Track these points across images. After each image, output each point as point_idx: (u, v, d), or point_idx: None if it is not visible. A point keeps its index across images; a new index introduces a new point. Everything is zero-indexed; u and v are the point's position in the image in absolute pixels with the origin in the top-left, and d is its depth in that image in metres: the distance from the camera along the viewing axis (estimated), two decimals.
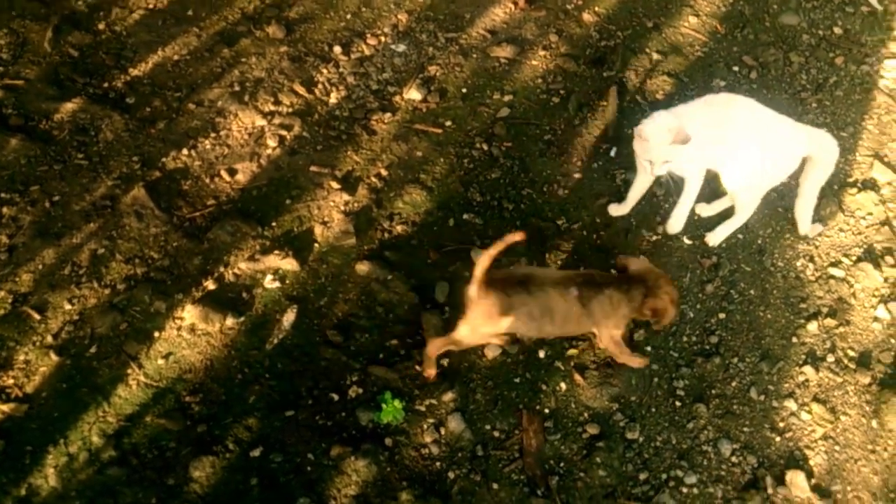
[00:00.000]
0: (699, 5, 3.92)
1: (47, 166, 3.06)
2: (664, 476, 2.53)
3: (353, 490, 2.43)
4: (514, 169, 3.25)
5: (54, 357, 2.61)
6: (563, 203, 3.16)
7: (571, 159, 3.31)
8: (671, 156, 2.63)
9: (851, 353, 2.83)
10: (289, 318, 2.75)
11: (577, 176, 3.25)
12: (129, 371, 2.61)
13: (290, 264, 2.88)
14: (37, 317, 2.69)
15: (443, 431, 2.57)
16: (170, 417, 2.52)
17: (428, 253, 2.98)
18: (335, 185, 3.13)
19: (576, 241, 3.05)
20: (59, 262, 2.82)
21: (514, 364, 2.72)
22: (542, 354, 2.74)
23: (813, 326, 2.88)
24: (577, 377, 2.70)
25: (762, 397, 2.70)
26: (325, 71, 3.51)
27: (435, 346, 2.58)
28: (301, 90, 3.42)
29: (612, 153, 3.33)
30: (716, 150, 2.77)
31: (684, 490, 2.50)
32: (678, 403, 2.68)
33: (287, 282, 2.86)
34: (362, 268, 2.90)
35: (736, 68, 3.67)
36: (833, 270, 3.03)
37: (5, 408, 2.49)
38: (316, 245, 2.97)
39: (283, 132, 3.27)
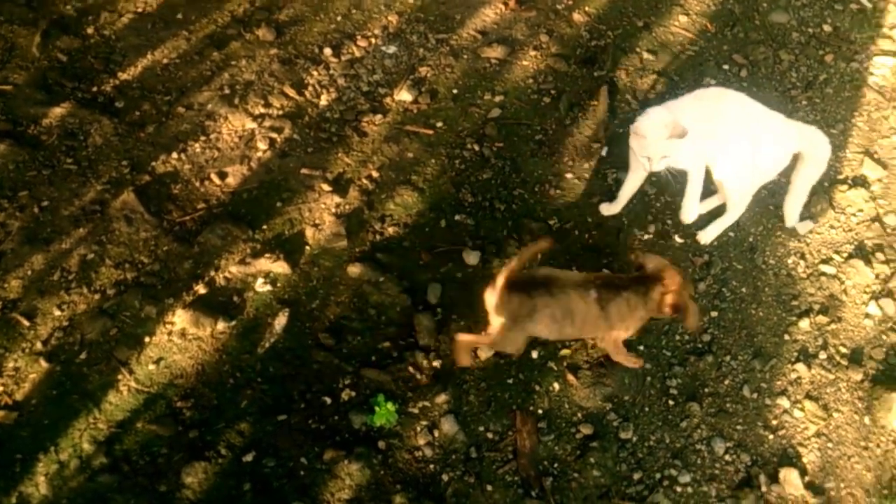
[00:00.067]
0: (689, 4, 3.93)
1: (36, 171, 3.05)
2: (658, 475, 2.52)
3: (347, 494, 2.42)
4: (505, 169, 3.25)
5: (44, 363, 2.59)
6: (554, 203, 3.16)
7: (563, 159, 3.30)
8: (669, 150, 2.63)
9: (843, 350, 2.83)
10: (280, 321, 2.74)
11: (568, 176, 3.25)
12: (120, 377, 2.59)
13: (281, 267, 2.87)
14: (26, 323, 2.68)
15: (436, 433, 2.56)
16: (161, 423, 2.50)
17: (420, 254, 2.97)
18: (326, 187, 3.12)
19: (568, 240, 3.05)
20: (48, 267, 2.81)
21: (507, 365, 2.71)
22: (534, 355, 2.74)
23: (805, 324, 2.88)
24: (570, 377, 2.70)
25: (755, 395, 2.71)
26: (315, 73, 3.50)
27: (465, 341, 2.58)
28: (291, 92, 3.41)
29: (604, 152, 3.33)
30: (707, 145, 2.77)
31: (678, 489, 2.50)
32: (671, 402, 2.68)
33: (278, 285, 2.85)
34: (354, 270, 2.89)
35: (726, 67, 3.68)
36: (824, 267, 3.04)
37: None
38: (307, 248, 2.96)
39: (274, 135, 3.26)
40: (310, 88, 3.44)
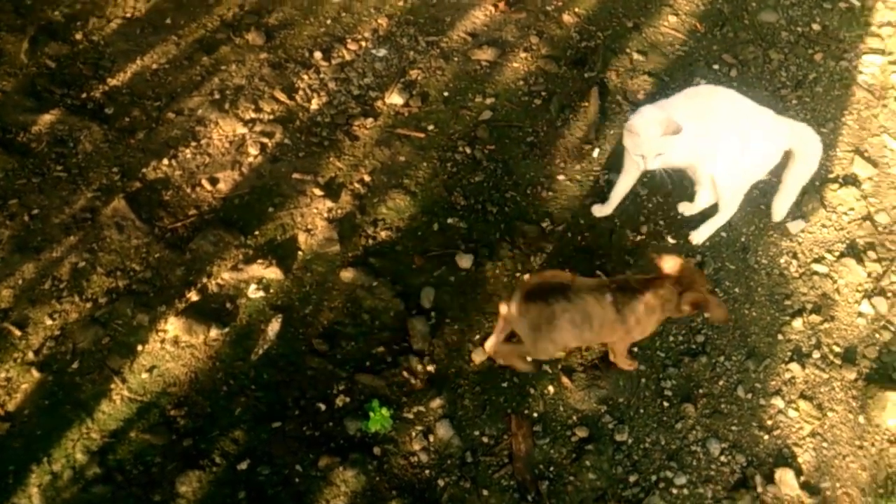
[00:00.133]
0: (678, 4, 3.93)
1: (25, 179, 3.03)
2: (654, 477, 2.53)
3: (342, 501, 2.42)
4: (497, 172, 3.24)
5: (36, 374, 2.58)
6: (546, 205, 3.16)
7: (554, 161, 3.30)
8: (663, 148, 2.62)
9: (837, 349, 2.84)
10: (273, 327, 2.73)
11: (560, 177, 3.25)
12: (113, 386, 2.58)
13: (273, 273, 2.86)
14: (17, 333, 2.66)
15: (431, 438, 2.56)
16: (155, 432, 2.49)
17: (413, 258, 2.97)
18: (318, 191, 3.11)
19: (560, 242, 3.05)
20: (39, 276, 2.79)
21: (502, 369, 2.71)
22: (529, 358, 2.73)
23: (798, 323, 2.89)
24: (565, 380, 2.70)
25: (749, 395, 2.71)
26: (305, 77, 3.49)
27: (506, 353, 2.58)
28: (282, 97, 3.40)
29: (595, 154, 3.33)
30: (698, 143, 2.76)
31: (674, 491, 2.50)
32: (666, 404, 2.68)
33: (271, 291, 2.84)
34: (347, 275, 2.88)
35: (716, 66, 3.69)
36: (816, 266, 3.05)
37: None
38: (300, 253, 2.95)
39: (265, 139, 3.25)
40: (300, 93, 3.43)
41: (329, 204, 3.08)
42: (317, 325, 2.77)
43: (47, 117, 3.20)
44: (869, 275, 3.04)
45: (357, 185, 3.16)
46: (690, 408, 2.66)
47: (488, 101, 3.48)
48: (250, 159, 3.19)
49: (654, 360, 2.77)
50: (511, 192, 3.19)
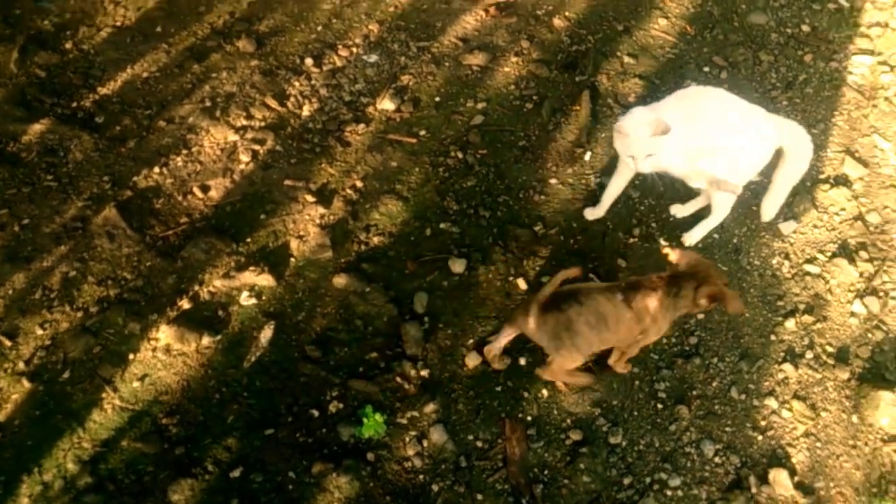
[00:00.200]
0: (668, 7, 3.95)
1: (16, 189, 3.02)
2: (648, 479, 2.52)
3: None
4: (489, 176, 3.24)
5: (27, 384, 2.56)
6: (539, 209, 3.16)
7: (546, 165, 3.31)
8: (653, 148, 2.62)
9: (830, 349, 2.85)
10: (266, 334, 2.73)
11: (552, 181, 3.25)
12: (104, 395, 2.56)
13: (266, 280, 2.86)
14: (8, 343, 2.65)
15: (425, 444, 2.55)
16: (146, 441, 2.48)
17: (405, 264, 2.96)
18: (310, 198, 3.11)
19: (553, 246, 3.05)
20: (29, 286, 2.78)
21: (496, 373, 2.71)
22: (522, 362, 2.73)
23: (791, 324, 2.89)
24: (559, 383, 2.69)
25: (743, 396, 2.71)
26: (297, 84, 3.49)
27: (551, 374, 2.59)
28: (273, 104, 3.40)
29: (587, 157, 3.34)
30: (689, 144, 2.76)
31: (669, 493, 2.50)
32: (660, 406, 2.68)
33: (263, 298, 2.83)
34: (340, 281, 2.88)
35: (707, 69, 3.70)
36: (808, 267, 3.05)
37: None
38: (292, 260, 2.95)
39: (256, 146, 3.25)
40: (292, 99, 3.43)
41: (321, 210, 3.08)
42: (310, 332, 2.77)
43: (37, 127, 3.19)
44: (861, 275, 3.05)
45: (349, 191, 3.16)
46: (684, 409, 2.66)
47: (480, 105, 3.48)
48: (242, 166, 3.18)
49: (647, 363, 2.77)
50: (503, 196, 3.19)
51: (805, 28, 3.93)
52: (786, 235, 3.14)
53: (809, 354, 2.82)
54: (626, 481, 2.51)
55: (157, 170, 3.14)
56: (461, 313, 2.84)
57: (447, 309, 2.84)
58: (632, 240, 3.09)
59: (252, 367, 2.66)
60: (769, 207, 3.01)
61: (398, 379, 2.66)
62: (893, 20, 3.98)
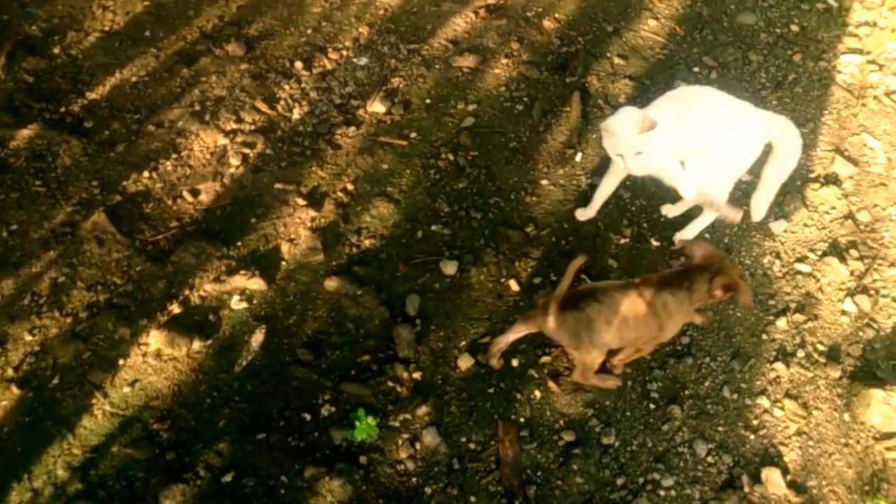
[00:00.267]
0: (658, 8, 3.96)
1: (4, 195, 3.00)
2: (641, 480, 2.52)
3: None
4: (480, 178, 3.24)
5: (16, 390, 2.54)
6: (530, 210, 3.16)
7: (537, 166, 3.31)
8: (641, 146, 2.62)
9: (821, 348, 2.85)
10: (257, 338, 2.71)
11: (543, 182, 3.25)
12: (94, 401, 2.55)
13: (256, 284, 2.84)
14: None
15: (418, 446, 2.54)
16: (137, 446, 2.46)
17: (397, 266, 2.96)
18: (301, 201, 3.10)
19: (545, 247, 3.04)
20: (18, 292, 2.76)
21: (488, 374, 2.70)
22: (515, 363, 2.73)
23: (782, 322, 2.90)
24: (552, 384, 2.69)
25: (735, 396, 2.71)
26: (286, 87, 3.48)
27: (578, 377, 2.59)
28: (263, 107, 3.39)
29: (578, 158, 3.34)
30: (680, 144, 2.77)
31: (662, 493, 2.49)
32: (652, 406, 2.67)
33: (254, 302, 2.82)
34: (331, 284, 2.87)
35: (696, 69, 3.71)
36: (799, 266, 3.06)
37: None
38: (283, 263, 2.94)
39: (246, 150, 3.24)
40: (282, 102, 3.43)
41: (312, 213, 3.07)
42: (301, 335, 2.76)
43: (25, 132, 3.17)
44: (852, 273, 3.06)
45: (340, 194, 3.15)
46: (677, 409, 2.66)
47: (470, 107, 3.48)
48: (232, 170, 3.17)
49: (639, 363, 2.76)
50: (495, 197, 3.19)
51: (794, 28, 3.95)
52: (776, 234, 3.15)
53: (801, 353, 2.83)
54: (620, 482, 2.51)
55: (146, 174, 3.13)
56: (453, 315, 2.84)
57: (439, 311, 2.84)
58: (623, 240, 3.09)
59: (243, 372, 2.65)
60: (759, 204, 3.00)
61: (390, 382, 2.65)
62: (881, 19, 4.00)
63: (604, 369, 2.65)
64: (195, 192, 3.09)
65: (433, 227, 3.07)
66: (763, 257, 3.08)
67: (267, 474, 2.44)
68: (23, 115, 3.25)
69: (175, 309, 2.77)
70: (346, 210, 3.11)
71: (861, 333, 2.90)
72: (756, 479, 2.53)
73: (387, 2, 3.87)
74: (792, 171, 2.91)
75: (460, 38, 3.75)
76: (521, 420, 2.62)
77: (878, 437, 2.64)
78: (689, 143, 2.77)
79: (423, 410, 2.60)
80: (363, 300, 2.84)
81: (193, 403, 2.57)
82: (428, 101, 3.50)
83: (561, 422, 2.63)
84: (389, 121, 3.41)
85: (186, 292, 2.82)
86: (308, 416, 2.57)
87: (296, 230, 3.02)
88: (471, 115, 3.45)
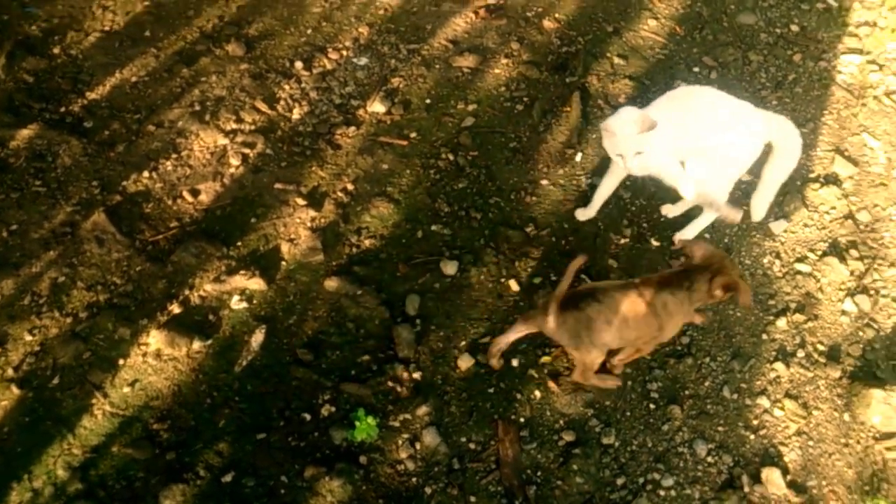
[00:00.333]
0: (658, 8, 3.96)
1: (4, 195, 3.00)
2: (641, 480, 2.52)
3: None
4: (480, 178, 3.24)
5: (16, 390, 2.54)
6: (530, 210, 3.16)
7: (537, 166, 3.31)
8: (641, 146, 2.62)
9: (821, 348, 2.85)
10: (257, 338, 2.71)
11: (543, 182, 3.25)
12: (94, 401, 2.55)
13: (257, 284, 2.84)
14: None
15: (418, 446, 2.54)
16: (137, 446, 2.46)
17: (397, 266, 2.96)
18: (301, 201, 3.10)
19: (545, 247, 3.04)
20: (18, 292, 2.76)
21: (488, 374, 2.70)
22: (515, 363, 2.73)
23: (782, 322, 2.90)
24: (552, 384, 2.69)
25: (735, 396, 2.71)
26: (286, 87, 3.48)
27: (578, 376, 2.59)
28: (263, 107, 3.39)
29: (578, 158, 3.34)
30: (680, 144, 2.77)
31: (662, 493, 2.49)
32: (652, 406, 2.67)
33: (254, 302, 2.82)
34: (331, 284, 2.87)
35: (696, 69, 3.71)
36: (799, 266, 3.06)
37: None
38: (283, 263, 2.94)
39: (246, 150, 3.24)
40: (282, 102, 3.43)
41: (312, 213, 3.07)
42: (301, 335, 2.76)
43: (25, 132, 3.17)
44: (851, 273, 3.05)
45: (340, 194, 3.15)
46: (677, 409, 2.66)
47: (470, 107, 3.48)
48: (232, 170, 3.17)
49: (639, 363, 2.76)
50: (495, 197, 3.19)
51: (794, 28, 3.95)
52: (776, 235, 3.15)
53: (801, 353, 2.83)
54: (620, 482, 2.51)
55: (146, 174, 3.13)
56: (453, 315, 2.84)
57: (439, 311, 2.84)
58: (623, 240, 3.09)
59: (243, 372, 2.65)
60: (759, 205, 3.00)
61: (390, 382, 2.65)
62: (881, 19, 4.00)
63: (604, 369, 2.65)
64: (195, 192, 3.09)
65: (433, 227, 3.07)
66: (763, 257, 3.08)
67: (267, 474, 2.44)
68: (23, 115, 3.24)
69: (175, 309, 2.77)
70: (346, 210, 3.11)
71: (861, 333, 2.90)
72: (756, 479, 2.53)
73: (387, 2, 3.88)
74: (792, 171, 2.91)
75: (460, 38, 3.75)
76: (521, 420, 2.62)
77: (878, 437, 2.64)
78: (689, 143, 2.77)
79: (423, 410, 2.60)
80: (363, 300, 2.84)
81: (193, 403, 2.57)
82: (428, 101, 3.50)
83: (561, 422, 2.63)
84: (389, 121, 3.41)
85: (186, 292, 2.82)
86: (308, 416, 2.57)
87: (296, 230, 3.02)
88: (471, 115, 3.45)
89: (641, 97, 3.54)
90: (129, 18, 3.67)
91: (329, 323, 2.79)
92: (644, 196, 3.20)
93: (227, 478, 2.42)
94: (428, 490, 2.46)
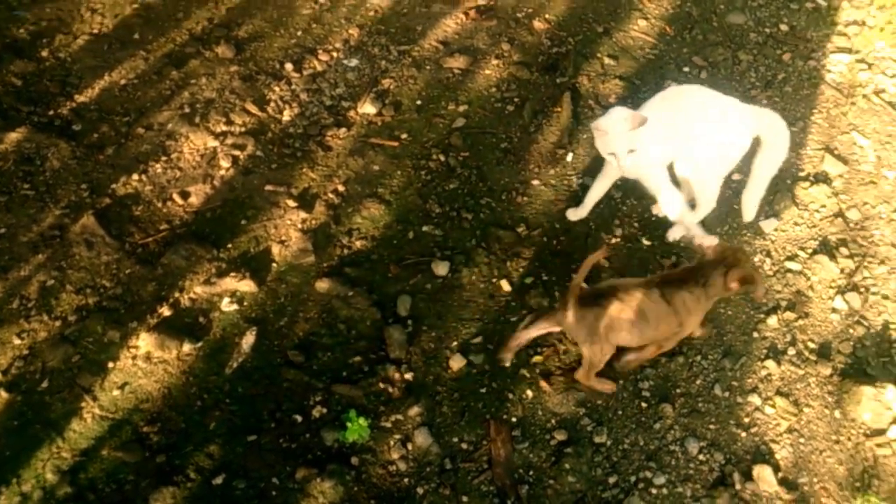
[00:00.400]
0: (647, 8, 3.97)
1: None
2: (633, 478, 2.52)
3: None
4: (471, 178, 3.24)
5: (4, 394, 2.53)
6: (522, 210, 3.16)
7: (529, 166, 3.31)
8: (633, 143, 2.62)
9: (812, 345, 2.86)
10: (248, 340, 2.70)
11: (534, 182, 3.25)
12: (84, 404, 2.53)
13: (247, 286, 2.83)
14: None
15: (410, 447, 2.53)
16: (127, 449, 2.44)
17: (389, 267, 2.95)
18: (292, 203, 3.10)
19: (536, 247, 3.04)
20: (6, 295, 2.75)
21: (480, 374, 2.70)
22: (507, 363, 2.72)
23: (773, 321, 2.90)
24: (543, 384, 2.69)
25: (726, 394, 2.71)
26: (277, 89, 3.48)
27: (582, 377, 2.60)
28: (253, 109, 3.39)
29: (569, 158, 3.34)
30: (672, 143, 2.78)
31: (654, 491, 2.49)
32: (644, 405, 2.67)
33: (245, 304, 2.81)
34: (322, 285, 2.86)
35: (686, 69, 3.72)
36: (790, 264, 3.06)
37: None
38: (274, 265, 2.93)
39: (237, 152, 3.23)
40: (272, 104, 3.42)
41: (303, 215, 3.07)
42: (292, 337, 2.75)
43: (13, 135, 3.16)
44: (842, 271, 3.06)
45: (331, 196, 3.15)
46: (668, 408, 2.66)
47: (461, 108, 3.48)
48: (222, 172, 3.16)
49: None
50: (486, 198, 3.19)
51: (783, 27, 3.96)
52: (767, 233, 3.15)
53: (792, 351, 2.83)
54: (611, 480, 2.51)
55: (135, 177, 3.12)
56: (445, 316, 2.83)
57: (431, 312, 2.83)
58: (615, 240, 3.09)
59: (234, 374, 2.64)
60: (750, 203, 3.01)
61: (382, 383, 2.65)
62: (870, 18, 4.02)
63: (602, 372, 2.65)
64: (185, 195, 3.08)
65: (424, 228, 3.07)
66: (754, 255, 3.08)
67: (258, 476, 2.43)
68: (11, 118, 3.23)
69: (165, 311, 2.76)
70: (338, 211, 3.10)
71: (851, 331, 2.90)
72: (747, 476, 2.53)
73: (377, 3, 3.88)
74: (781, 164, 2.92)
75: (451, 39, 3.76)
76: (513, 420, 2.61)
77: (868, 433, 2.65)
78: (680, 143, 2.78)
79: (414, 411, 2.59)
80: (354, 301, 2.83)
81: (184, 406, 2.56)
82: (419, 102, 3.50)
83: (553, 421, 2.62)
84: (380, 122, 3.41)
85: (176, 295, 2.81)
86: (299, 418, 2.56)
87: (286, 232, 3.02)
88: (461, 115, 3.45)
89: (632, 97, 3.55)
90: (118, 21, 3.66)
91: (320, 324, 2.78)
92: (635, 196, 3.20)
93: (218, 480, 2.41)
94: (420, 490, 2.45)
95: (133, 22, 3.66)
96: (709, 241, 2.73)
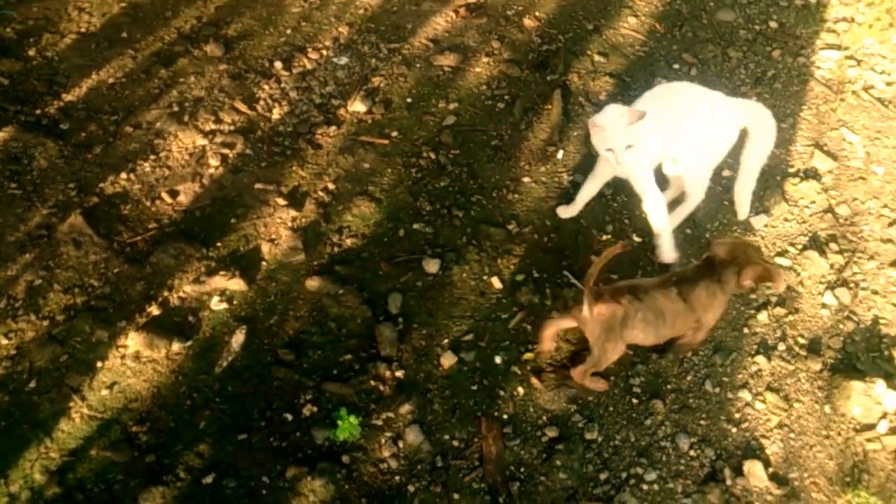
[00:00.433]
0: (637, 6, 3.97)
1: None
2: (624, 475, 2.52)
3: None
4: (462, 176, 3.24)
5: None
6: (512, 207, 3.15)
7: (519, 164, 3.31)
8: (632, 139, 2.62)
9: (802, 341, 2.86)
10: (238, 339, 2.69)
11: (525, 180, 3.25)
12: (72, 404, 2.51)
13: (237, 284, 2.82)
14: None
15: (401, 445, 2.53)
16: (116, 449, 2.43)
17: (379, 265, 2.94)
18: (281, 201, 3.08)
19: (527, 244, 3.04)
20: None
21: (471, 371, 2.69)
22: (498, 360, 2.72)
23: (763, 316, 2.91)
24: (535, 380, 2.68)
25: (717, 389, 2.72)
26: (266, 87, 3.46)
27: (580, 374, 2.60)
28: (242, 107, 3.37)
29: (559, 155, 3.34)
30: (662, 140, 2.78)
31: (645, 487, 2.49)
32: (635, 401, 2.67)
33: (235, 302, 2.80)
34: (312, 283, 2.85)
35: (676, 66, 3.72)
36: (780, 260, 3.07)
37: None
38: (264, 263, 2.92)
39: (226, 150, 3.21)
40: (261, 102, 3.41)
41: (293, 213, 3.06)
42: (282, 335, 2.74)
43: (0, 135, 3.13)
44: (832, 266, 3.07)
45: (321, 194, 3.14)
46: (659, 404, 2.66)
47: (452, 106, 3.47)
48: (211, 171, 3.15)
49: (622, 358, 2.76)
50: (477, 195, 3.18)
51: (773, 24, 3.97)
52: (757, 229, 3.16)
53: (782, 346, 2.84)
54: (603, 476, 2.50)
55: (124, 175, 3.10)
56: (435, 313, 2.83)
57: (421, 309, 2.83)
58: (605, 237, 3.09)
59: (224, 373, 2.63)
60: (742, 198, 3.00)
61: (373, 380, 2.64)
62: (859, 15, 4.04)
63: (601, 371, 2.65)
64: (174, 193, 3.07)
65: (415, 226, 3.06)
66: None
67: (248, 475, 2.42)
68: None
69: (154, 310, 2.74)
70: (328, 209, 3.09)
71: (841, 326, 2.91)
72: (738, 471, 2.53)
73: (367, 1, 3.87)
74: (769, 154, 2.92)
75: (441, 36, 3.75)
76: (505, 417, 2.61)
77: (858, 428, 2.66)
78: (671, 139, 2.79)
79: (405, 409, 2.59)
80: (345, 299, 2.82)
81: (173, 405, 2.54)
82: (409, 99, 3.49)
83: (544, 418, 2.62)
84: (370, 120, 3.40)
85: (165, 294, 2.79)
86: (290, 416, 2.55)
87: (276, 230, 3.00)
88: (452, 113, 3.44)
89: (622, 94, 3.55)
90: (106, 20, 3.64)
91: (310, 322, 2.77)
92: (626, 192, 3.20)
93: (208, 479, 2.40)
94: (411, 488, 2.45)
95: (121, 20, 3.64)
96: (668, 258, 2.77)
